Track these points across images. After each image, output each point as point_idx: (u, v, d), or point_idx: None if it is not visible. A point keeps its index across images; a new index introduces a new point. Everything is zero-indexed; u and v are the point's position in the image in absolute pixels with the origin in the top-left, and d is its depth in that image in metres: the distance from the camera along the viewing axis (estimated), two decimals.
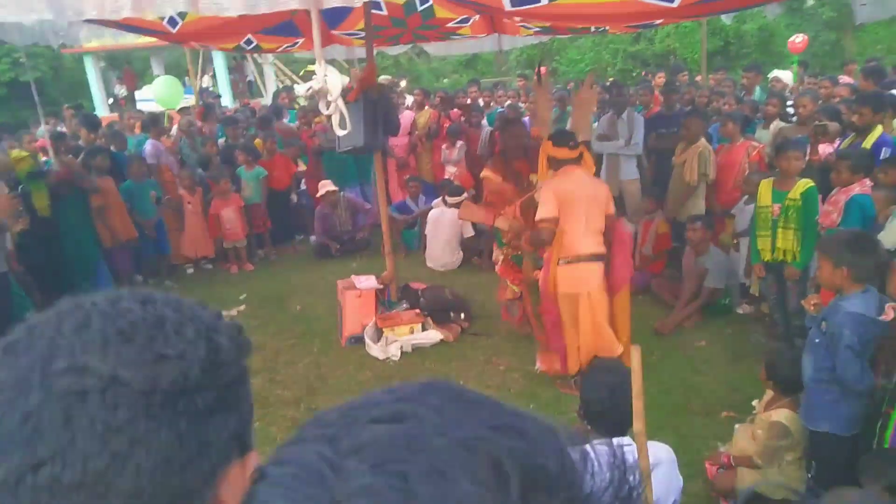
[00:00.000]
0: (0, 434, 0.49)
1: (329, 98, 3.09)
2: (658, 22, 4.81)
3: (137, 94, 15.68)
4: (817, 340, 2.71)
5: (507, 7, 3.06)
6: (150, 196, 6.69)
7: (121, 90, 18.01)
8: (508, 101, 9.05)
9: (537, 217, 3.97)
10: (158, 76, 13.11)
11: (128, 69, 18.94)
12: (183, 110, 9.65)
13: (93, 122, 7.04)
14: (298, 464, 0.41)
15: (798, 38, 9.81)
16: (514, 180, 4.59)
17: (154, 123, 7.79)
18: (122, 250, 6.30)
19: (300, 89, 3.28)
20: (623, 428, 2.19)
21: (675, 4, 2.72)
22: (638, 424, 1.77)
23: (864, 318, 2.56)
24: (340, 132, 3.41)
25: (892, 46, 17.56)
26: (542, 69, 4.89)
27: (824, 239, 2.98)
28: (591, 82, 5.31)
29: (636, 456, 1.87)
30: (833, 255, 2.63)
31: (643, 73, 10.93)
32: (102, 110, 15.35)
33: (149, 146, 7.41)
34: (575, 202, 3.90)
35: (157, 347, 0.52)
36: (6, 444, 0.48)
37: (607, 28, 6.07)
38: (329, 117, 7.76)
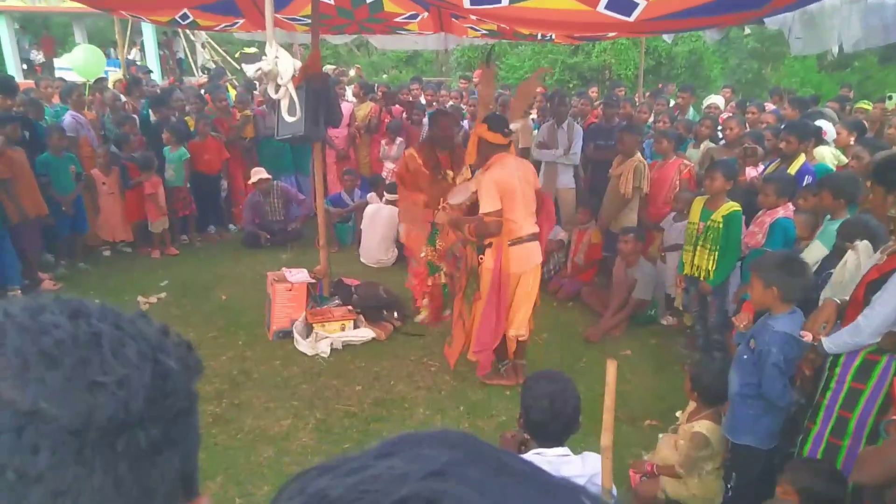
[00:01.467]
0: None
1: (279, 81, 2.94)
2: (610, 35, 4.91)
3: (56, 62, 14.71)
4: (745, 357, 2.81)
5: (466, 5, 3.02)
6: (70, 171, 6.25)
7: (37, 56, 16.83)
8: (451, 102, 9.03)
9: (483, 210, 4.06)
10: (80, 45, 12.28)
11: (46, 35, 17.74)
12: (99, 81, 9.04)
13: (9, 87, 6.48)
14: None
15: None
16: (432, 168, 4.75)
17: (70, 94, 7.29)
18: (30, 227, 5.84)
19: (249, 70, 3.11)
20: (562, 437, 2.19)
21: (631, 19, 2.77)
22: (606, 439, 1.76)
23: (790, 338, 2.67)
24: (289, 118, 3.26)
25: (805, 79, 18.72)
26: (489, 63, 5.07)
27: (757, 259, 3.10)
28: (541, 76, 5.48)
29: (571, 468, 1.87)
30: (764, 275, 2.73)
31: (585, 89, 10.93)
32: (15, 76, 14.30)
33: (68, 118, 6.93)
34: (514, 191, 4.04)
35: (90, 373, 0.42)
36: None
37: (553, 36, 6.14)
38: (268, 102, 7.50)
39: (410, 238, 5.10)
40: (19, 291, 5.63)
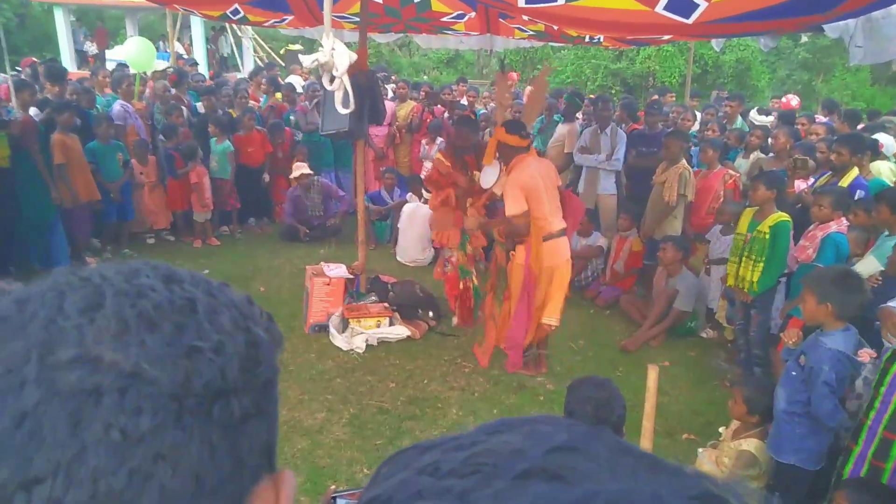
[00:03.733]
0: None
1: (334, 73, 2.96)
2: (665, 38, 4.84)
3: (108, 54, 15.10)
4: (794, 373, 2.73)
5: (521, 3, 2.99)
6: (117, 158, 6.41)
7: (90, 47, 17.31)
8: (492, 104, 8.99)
9: (509, 213, 4.22)
10: (132, 37, 12.58)
11: (100, 27, 18.25)
12: (157, 73, 9.29)
13: (56, 75, 6.67)
14: None
15: (794, 101, 10.32)
16: (461, 169, 5.05)
17: (120, 83, 7.48)
18: (81, 212, 6.00)
19: (306, 61, 3.14)
20: None
21: (689, 21, 2.71)
22: (645, 445, 1.72)
23: (843, 356, 2.58)
24: (343, 110, 3.29)
25: (857, 93, 18.19)
26: (503, 70, 5.25)
27: (811, 274, 3.00)
28: (545, 74, 5.66)
29: None
30: (818, 291, 2.64)
31: (653, 96, 10.25)
32: (69, 66, 14.73)
33: (117, 107, 7.11)
34: (539, 190, 4.18)
35: (187, 338, 0.42)
36: None
37: (601, 39, 6.06)
38: (310, 99, 7.58)
39: (442, 235, 5.28)
40: None
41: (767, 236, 4.22)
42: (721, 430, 3.29)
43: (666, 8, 2.65)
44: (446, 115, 8.11)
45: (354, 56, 3.03)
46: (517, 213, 4.14)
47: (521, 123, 4.45)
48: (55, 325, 0.40)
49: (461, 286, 5.15)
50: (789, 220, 4.24)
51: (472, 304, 5.24)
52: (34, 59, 10.98)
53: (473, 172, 5.03)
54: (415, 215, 6.83)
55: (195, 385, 0.41)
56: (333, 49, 2.87)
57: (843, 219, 4.04)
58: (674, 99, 8.83)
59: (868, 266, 3.49)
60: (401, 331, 5.08)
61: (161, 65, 11.24)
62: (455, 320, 5.30)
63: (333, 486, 1.01)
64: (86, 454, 0.37)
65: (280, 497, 0.47)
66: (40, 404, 0.38)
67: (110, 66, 11.46)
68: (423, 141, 7.91)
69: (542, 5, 2.96)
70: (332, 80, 3.04)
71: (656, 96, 8.86)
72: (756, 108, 8.34)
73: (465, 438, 0.36)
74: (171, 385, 0.40)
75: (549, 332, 4.63)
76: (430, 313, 5.35)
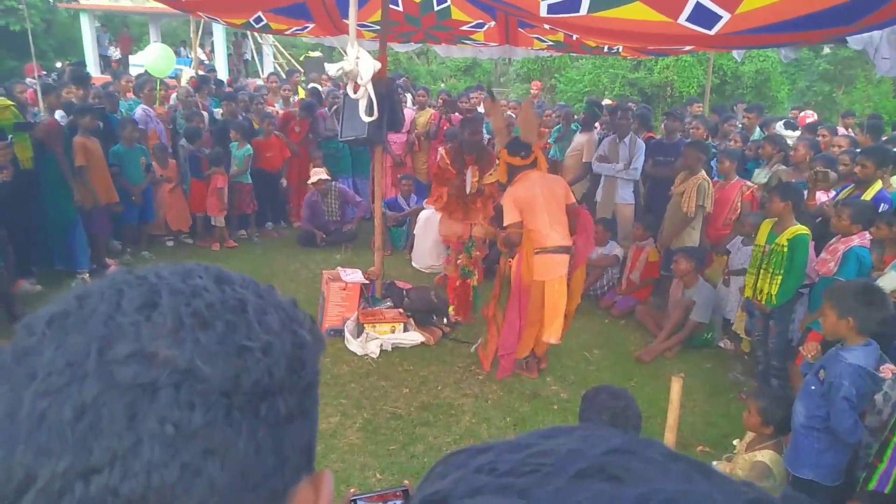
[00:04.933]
0: (45, 429, 0.39)
1: (359, 81, 2.99)
2: (686, 48, 4.84)
3: (131, 59, 15.34)
4: (813, 387, 2.70)
5: (543, 13, 3.00)
6: (140, 162, 6.50)
7: (114, 53, 17.59)
8: (508, 112, 9.00)
9: (504, 223, 4.45)
10: (153, 43, 12.78)
11: (125, 33, 18.54)
12: (193, 79, 9.46)
13: (81, 78, 6.78)
14: None
15: (809, 118, 10.29)
16: (459, 168, 5.34)
17: (142, 88, 7.61)
18: (101, 214, 6.09)
19: (331, 69, 3.19)
20: None
21: (711, 33, 2.71)
22: None
23: (863, 372, 2.55)
24: (367, 118, 3.32)
25: (879, 105, 17.95)
26: (491, 91, 6.02)
27: (832, 287, 2.97)
28: (528, 102, 5.98)
29: None
30: (840, 305, 2.61)
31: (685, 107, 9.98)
32: (94, 70, 14.98)
33: (139, 111, 7.21)
34: (534, 204, 4.33)
35: (238, 337, 0.43)
36: (51, 443, 0.38)
37: (620, 49, 6.05)
38: (332, 106, 7.65)
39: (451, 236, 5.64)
40: (87, 275, 5.87)
41: (786, 249, 4.19)
42: (735, 442, 3.25)
43: (688, 19, 2.65)
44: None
45: (379, 65, 3.06)
46: (508, 223, 4.38)
47: (521, 145, 4.55)
48: (113, 321, 0.42)
49: (458, 283, 5.46)
50: (808, 233, 4.20)
51: (470, 298, 5.51)
52: (38, 71, 11.05)
53: (473, 171, 5.32)
54: (431, 222, 6.83)
55: (244, 383, 0.42)
56: (358, 58, 2.90)
57: (866, 232, 3.99)
58: (701, 110, 8.74)
59: (890, 280, 3.44)
60: (415, 337, 5.09)
61: (191, 72, 11.41)
62: (452, 313, 5.48)
63: (353, 490, 1.02)
64: (141, 447, 0.39)
65: (320, 495, 0.49)
66: (99, 397, 0.39)
67: (134, 70, 11.63)
68: (440, 148, 7.92)
69: (564, 15, 2.97)
70: (355, 88, 3.07)
71: (688, 107, 8.82)
72: (782, 122, 8.23)
73: (518, 441, 0.37)
74: (223, 382, 0.41)
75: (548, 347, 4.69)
76: (445, 320, 5.36)
